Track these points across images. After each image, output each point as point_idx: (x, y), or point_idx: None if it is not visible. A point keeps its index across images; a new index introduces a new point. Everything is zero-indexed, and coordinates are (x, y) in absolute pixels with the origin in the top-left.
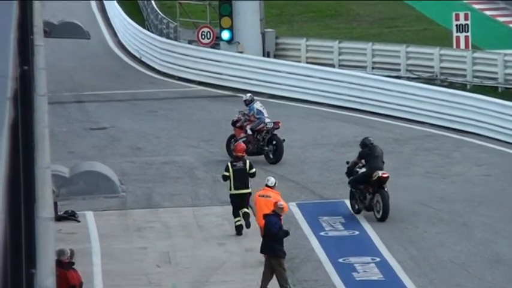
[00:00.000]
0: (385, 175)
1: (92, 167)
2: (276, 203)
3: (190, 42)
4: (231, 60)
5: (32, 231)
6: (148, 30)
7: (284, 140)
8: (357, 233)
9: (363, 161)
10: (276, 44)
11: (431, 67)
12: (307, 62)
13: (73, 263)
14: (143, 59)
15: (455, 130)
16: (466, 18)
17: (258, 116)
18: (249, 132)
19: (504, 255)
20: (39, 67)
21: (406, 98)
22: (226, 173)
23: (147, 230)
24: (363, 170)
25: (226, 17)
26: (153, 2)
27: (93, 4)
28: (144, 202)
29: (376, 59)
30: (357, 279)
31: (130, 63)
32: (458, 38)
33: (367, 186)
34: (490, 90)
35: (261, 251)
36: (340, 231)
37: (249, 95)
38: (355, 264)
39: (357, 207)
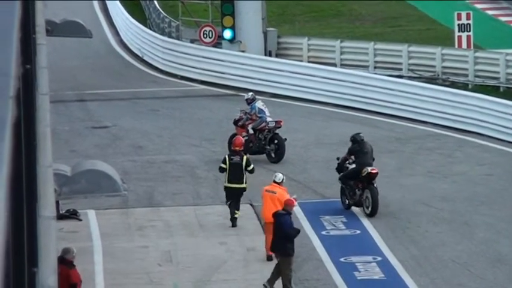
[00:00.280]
0: (374, 171)
1: (94, 165)
2: (286, 201)
3: (192, 41)
4: (233, 59)
5: (34, 229)
6: (150, 29)
7: (286, 139)
8: (358, 232)
9: (353, 157)
10: (278, 43)
11: (433, 66)
12: (309, 61)
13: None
14: (145, 58)
15: (457, 129)
16: (468, 18)
17: (259, 115)
18: (251, 131)
19: (506, 254)
20: (42, 66)
21: (408, 98)
22: (223, 165)
23: (148, 228)
24: (353, 166)
25: (228, 16)
26: (155, 1)
27: (96, 3)
28: (146, 201)
29: (378, 59)
30: (358, 278)
31: (133, 62)
32: (460, 37)
33: (356, 182)
34: (492, 90)
35: (272, 249)
36: (342, 230)
37: (250, 94)
38: (357, 264)
39: (347, 202)
